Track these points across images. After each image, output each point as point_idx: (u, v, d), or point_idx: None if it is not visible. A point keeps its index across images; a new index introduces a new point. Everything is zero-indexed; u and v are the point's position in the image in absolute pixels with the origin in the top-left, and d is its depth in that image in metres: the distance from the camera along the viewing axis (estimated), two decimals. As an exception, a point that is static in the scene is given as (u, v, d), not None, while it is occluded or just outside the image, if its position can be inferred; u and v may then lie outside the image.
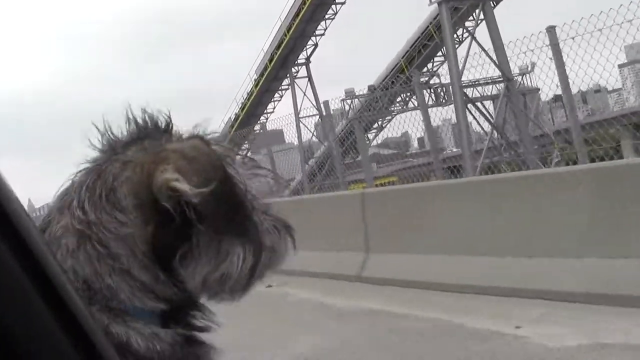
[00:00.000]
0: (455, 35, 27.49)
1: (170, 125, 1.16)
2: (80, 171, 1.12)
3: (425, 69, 31.76)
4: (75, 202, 1.06)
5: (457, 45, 29.48)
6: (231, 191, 1.08)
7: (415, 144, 26.80)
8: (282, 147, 28.30)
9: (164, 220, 1.03)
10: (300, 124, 24.45)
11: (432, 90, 26.86)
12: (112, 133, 1.15)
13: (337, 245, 8.75)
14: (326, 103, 17.11)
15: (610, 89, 19.60)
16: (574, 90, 12.23)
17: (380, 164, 26.40)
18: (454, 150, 25.74)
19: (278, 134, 27.67)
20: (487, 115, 20.06)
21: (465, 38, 25.05)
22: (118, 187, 1.05)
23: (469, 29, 23.88)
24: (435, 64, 32.00)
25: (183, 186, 1.00)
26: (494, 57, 17.15)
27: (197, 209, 1.02)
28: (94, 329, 0.72)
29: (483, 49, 17.62)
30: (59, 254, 1.01)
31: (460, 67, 18.71)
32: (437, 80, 28.49)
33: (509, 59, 13.65)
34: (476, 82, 19.82)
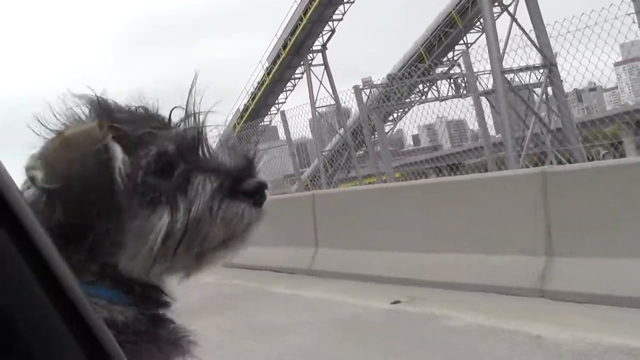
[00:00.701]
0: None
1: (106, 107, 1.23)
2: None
3: (445, 58, 30.95)
4: None
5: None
6: (108, 176, 1.11)
7: (410, 141, 26.03)
8: (276, 143, 27.49)
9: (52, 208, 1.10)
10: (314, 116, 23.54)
11: (452, 81, 26.08)
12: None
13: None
14: (358, 89, 16.04)
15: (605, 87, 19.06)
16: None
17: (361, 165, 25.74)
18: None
19: (272, 130, 26.96)
20: (528, 103, 19.08)
21: (499, 15, 23.75)
22: None
23: (507, 5, 22.63)
24: (456, 53, 31.13)
25: (35, 173, 1.09)
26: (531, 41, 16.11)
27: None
28: (94, 319, 0.73)
29: (523, 31, 16.65)
30: None
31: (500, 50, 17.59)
32: (458, 70, 27.64)
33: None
34: (510, 70, 18.84)
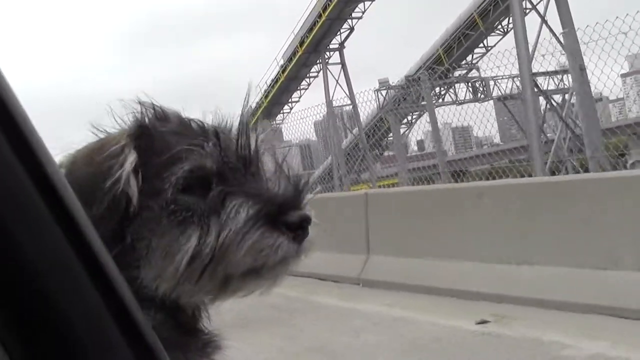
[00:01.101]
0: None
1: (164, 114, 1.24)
2: None
3: (463, 62, 30.60)
4: None
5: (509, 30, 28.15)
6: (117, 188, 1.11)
7: (414, 146, 25.84)
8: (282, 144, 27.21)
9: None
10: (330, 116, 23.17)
11: (470, 85, 25.72)
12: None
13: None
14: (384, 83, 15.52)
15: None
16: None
17: (383, 165, 25.74)
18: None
19: (276, 132, 26.67)
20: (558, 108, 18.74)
21: (528, 12, 23.24)
22: None
23: (536, 4, 22.15)
24: (475, 56, 30.77)
25: None
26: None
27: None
28: (144, 323, 0.76)
29: (553, 34, 16.26)
30: None
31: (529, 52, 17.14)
32: (477, 74, 27.26)
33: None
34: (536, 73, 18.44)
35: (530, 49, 17.63)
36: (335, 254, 8.12)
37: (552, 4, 20.45)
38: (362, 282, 7.82)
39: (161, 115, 1.25)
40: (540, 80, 19.48)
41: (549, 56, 13.51)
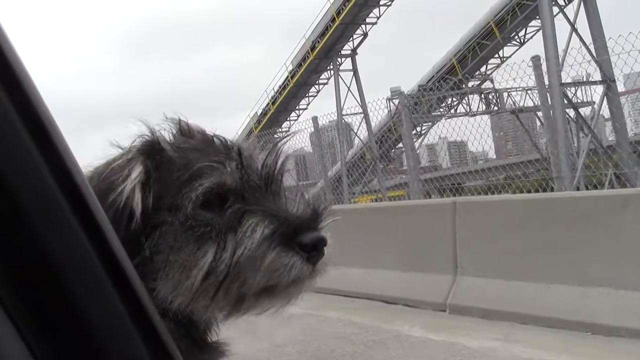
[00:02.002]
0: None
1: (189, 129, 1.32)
2: None
3: (477, 72, 30.23)
4: None
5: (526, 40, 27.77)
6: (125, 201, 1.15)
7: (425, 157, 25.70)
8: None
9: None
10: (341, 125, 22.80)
11: (483, 96, 25.33)
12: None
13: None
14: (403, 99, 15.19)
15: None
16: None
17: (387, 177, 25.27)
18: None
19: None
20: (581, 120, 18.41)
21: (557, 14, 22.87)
22: None
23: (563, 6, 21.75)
24: (489, 67, 30.37)
25: None
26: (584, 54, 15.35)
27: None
28: (159, 322, 0.79)
29: (583, 43, 15.82)
30: None
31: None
32: (490, 85, 26.88)
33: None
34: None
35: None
36: (409, 274, 7.14)
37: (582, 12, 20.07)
38: (449, 308, 6.56)
39: (185, 131, 1.30)
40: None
41: (576, 66, 13.05)
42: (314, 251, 1.20)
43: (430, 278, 6.89)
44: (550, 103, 15.54)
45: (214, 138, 1.29)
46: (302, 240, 1.19)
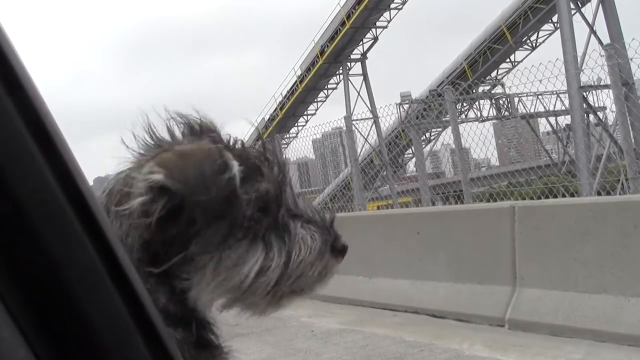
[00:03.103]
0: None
1: (201, 128, 1.31)
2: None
3: (488, 77, 30.08)
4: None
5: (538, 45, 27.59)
6: (227, 192, 1.19)
7: (413, 167, 25.71)
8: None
9: (163, 219, 1.16)
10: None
11: (493, 101, 25.19)
12: (154, 133, 1.29)
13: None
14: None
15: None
16: None
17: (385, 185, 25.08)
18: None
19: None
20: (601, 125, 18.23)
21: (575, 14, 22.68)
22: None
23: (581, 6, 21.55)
24: (500, 72, 30.23)
25: (156, 176, 1.14)
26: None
27: (195, 210, 1.17)
28: (162, 325, 0.79)
29: (601, 44, 15.57)
30: None
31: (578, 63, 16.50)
32: (501, 90, 26.73)
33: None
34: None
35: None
36: (459, 285, 6.63)
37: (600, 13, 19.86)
38: (508, 324, 6.00)
39: (196, 130, 1.33)
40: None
41: (597, 69, 12.80)
42: (341, 255, 1.36)
43: (485, 290, 6.37)
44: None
45: (241, 143, 1.33)
46: (338, 246, 1.35)
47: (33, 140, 0.65)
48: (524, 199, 13.09)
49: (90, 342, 0.70)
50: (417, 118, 22.25)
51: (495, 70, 30.16)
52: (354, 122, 19.14)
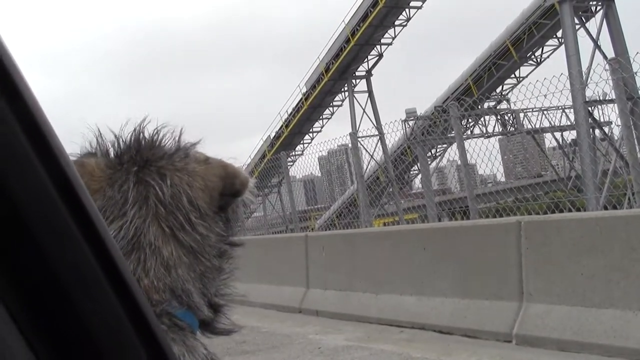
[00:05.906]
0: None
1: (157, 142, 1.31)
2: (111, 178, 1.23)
3: (493, 93, 30.11)
4: (158, 211, 1.19)
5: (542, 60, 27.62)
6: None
7: (419, 183, 25.75)
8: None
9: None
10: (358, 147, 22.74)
11: (499, 117, 25.18)
12: (119, 145, 1.28)
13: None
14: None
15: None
16: None
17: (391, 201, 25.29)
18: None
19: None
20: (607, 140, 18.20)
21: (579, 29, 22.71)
22: (190, 191, 1.24)
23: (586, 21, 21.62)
24: (505, 88, 30.27)
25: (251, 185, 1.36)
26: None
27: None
28: (158, 327, 0.82)
29: (606, 58, 15.58)
30: (154, 260, 1.16)
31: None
32: (506, 106, 26.72)
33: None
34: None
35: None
36: (466, 301, 6.62)
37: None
38: (516, 339, 5.97)
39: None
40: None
41: (602, 83, 12.79)
42: None
43: (492, 305, 6.34)
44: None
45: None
46: None
47: (30, 146, 0.67)
48: (530, 214, 13.05)
49: (87, 342, 0.72)
50: (422, 134, 22.32)
51: (501, 86, 30.22)
52: (359, 139, 19.20)
